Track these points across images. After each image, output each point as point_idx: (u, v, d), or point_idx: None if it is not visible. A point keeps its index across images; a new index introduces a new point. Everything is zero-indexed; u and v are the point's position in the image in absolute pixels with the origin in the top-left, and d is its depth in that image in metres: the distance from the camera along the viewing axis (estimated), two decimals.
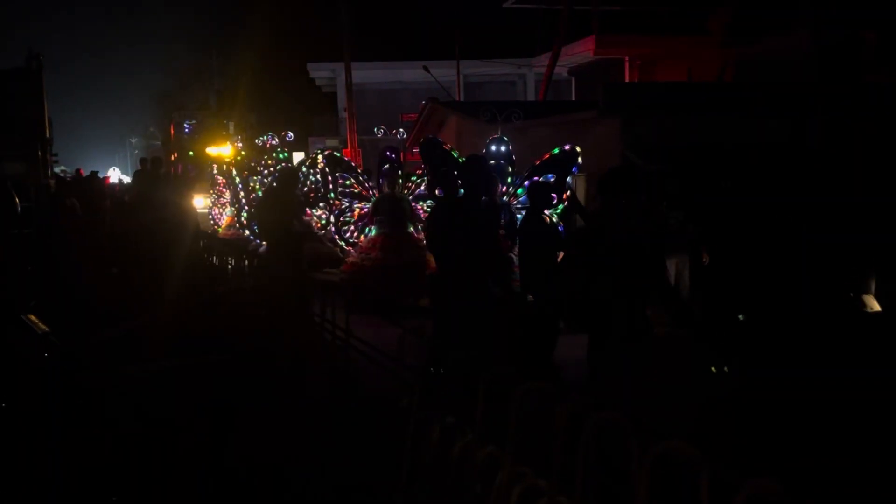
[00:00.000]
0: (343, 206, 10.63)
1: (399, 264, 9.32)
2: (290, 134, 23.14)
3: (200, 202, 16.34)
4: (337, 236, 10.72)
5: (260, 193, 13.83)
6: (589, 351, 5.66)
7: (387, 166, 10.06)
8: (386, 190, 9.84)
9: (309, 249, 10.35)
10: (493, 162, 8.55)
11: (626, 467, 2.13)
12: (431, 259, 8.83)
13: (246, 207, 13.71)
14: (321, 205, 12.22)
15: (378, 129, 26.43)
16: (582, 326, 5.94)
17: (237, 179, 14.25)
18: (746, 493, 1.77)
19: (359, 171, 10.82)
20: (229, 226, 15.08)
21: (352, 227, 10.59)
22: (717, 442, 4.31)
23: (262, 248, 12.01)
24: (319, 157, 12.24)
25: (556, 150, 8.52)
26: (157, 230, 11.26)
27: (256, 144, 22.07)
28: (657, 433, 2.03)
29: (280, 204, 8.49)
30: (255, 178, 14.22)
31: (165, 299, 8.20)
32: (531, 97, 28.91)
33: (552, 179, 8.17)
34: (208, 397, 4.96)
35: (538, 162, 8.49)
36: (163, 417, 4.71)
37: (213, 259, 10.72)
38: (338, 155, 10.99)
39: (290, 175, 9.41)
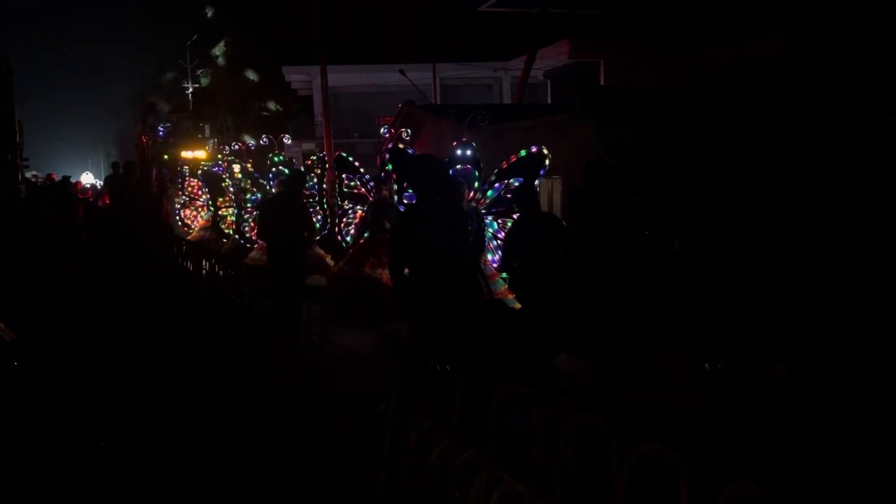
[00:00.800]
0: (346, 208, 10.73)
1: (376, 276, 9.15)
2: (288, 137, 22.92)
3: (176, 204, 16.21)
4: (339, 237, 10.81)
5: (250, 196, 13.77)
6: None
7: (386, 169, 9.89)
8: (384, 194, 9.71)
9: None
10: (458, 166, 8.47)
11: (606, 471, 2.11)
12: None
13: (234, 211, 13.69)
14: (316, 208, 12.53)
15: (354, 135, 26.26)
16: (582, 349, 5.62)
17: (230, 182, 14.21)
18: (727, 495, 1.76)
19: (362, 172, 10.86)
20: (203, 228, 14.93)
21: (352, 230, 10.70)
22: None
23: (254, 253, 12.03)
24: (313, 158, 12.54)
25: (524, 153, 8.44)
26: (130, 235, 11.13)
27: (249, 147, 21.91)
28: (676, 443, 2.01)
29: (286, 209, 8.29)
30: (247, 180, 14.20)
31: (140, 305, 8.10)
32: (507, 100, 28.98)
33: (520, 183, 8.17)
34: (178, 405, 4.89)
35: (505, 165, 8.43)
36: (131, 425, 4.64)
37: (186, 263, 10.60)
38: (344, 156, 11.02)
39: (297, 179, 9.14)
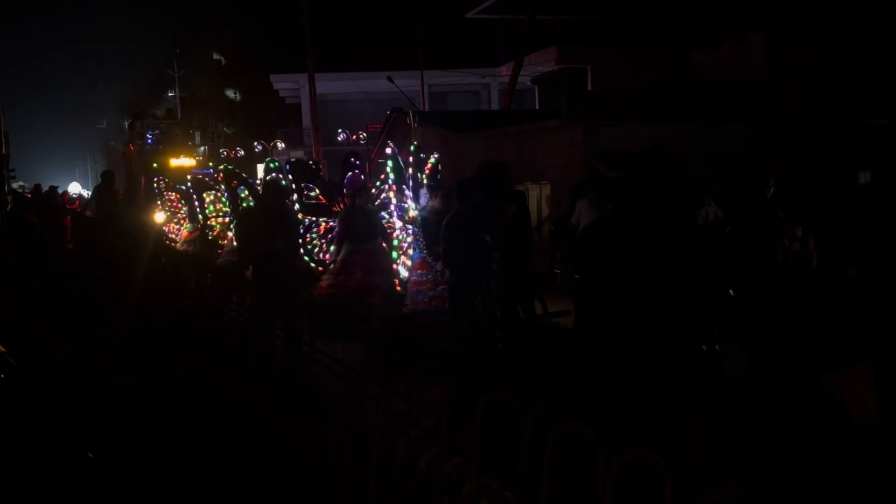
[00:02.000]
0: (309, 222, 9.81)
1: (379, 285, 8.55)
2: (281, 144, 22.65)
3: (161, 217, 15.93)
4: (305, 256, 9.72)
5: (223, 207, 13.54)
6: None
7: (350, 174, 9.43)
8: (358, 201, 8.92)
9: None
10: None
11: (592, 477, 2.12)
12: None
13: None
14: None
15: (340, 133, 25.97)
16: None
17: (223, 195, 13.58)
18: (710, 500, 1.77)
19: (325, 180, 10.29)
20: (187, 241, 14.66)
21: (319, 244, 9.83)
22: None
23: (223, 257, 11.69)
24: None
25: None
26: (118, 245, 11.08)
27: (237, 155, 21.72)
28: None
29: (263, 220, 7.55)
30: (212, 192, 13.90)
31: (126, 315, 8.06)
32: (495, 106, 29.03)
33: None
34: (168, 416, 4.87)
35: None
36: (118, 438, 4.62)
37: (173, 274, 10.51)
38: (302, 160, 10.48)
39: (275, 188, 8.30)
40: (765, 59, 13.85)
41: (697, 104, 12.94)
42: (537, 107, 24.62)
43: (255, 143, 21.86)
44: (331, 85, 28.31)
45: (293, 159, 10.59)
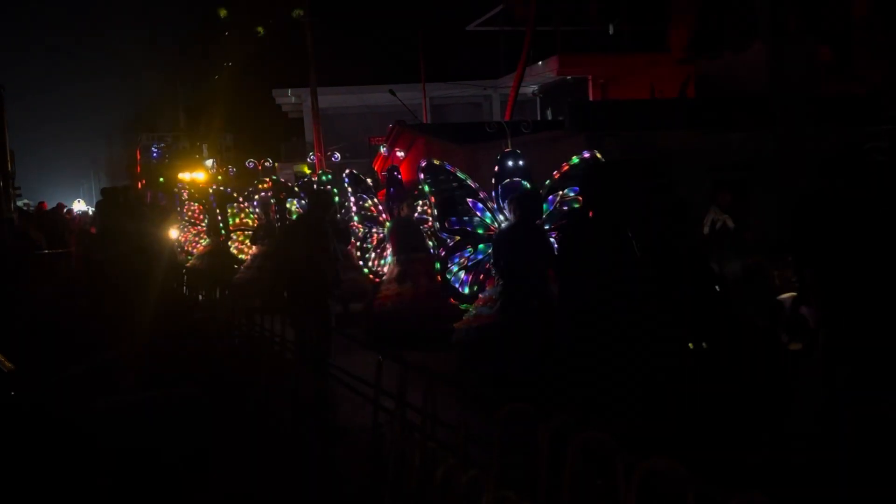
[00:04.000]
0: (363, 232, 10.06)
1: (434, 290, 8.42)
2: (268, 162, 22.51)
3: (175, 233, 15.61)
4: (361, 263, 10.02)
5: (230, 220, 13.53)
6: None
7: (392, 189, 9.65)
8: (405, 212, 9.29)
9: (350, 282, 9.57)
10: (506, 181, 7.69)
11: (613, 485, 2.12)
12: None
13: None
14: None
15: (333, 154, 25.66)
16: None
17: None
18: None
19: (374, 193, 10.39)
20: (201, 255, 14.52)
21: (372, 254, 10.06)
22: None
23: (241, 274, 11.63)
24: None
25: (576, 160, 7.61)
26: (126, 261, 11.08)
27: (247, 168, 21.67)
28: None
29: (308, 235, 7.07)
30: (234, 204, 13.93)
31: (137, 331, 8.06)
32: (497, 117, 29.06)
33: (576, 193, 7.28)
34: (179, 432, 4.87)
35: (557, 175, 7.65)
36: (130, 453, 4.61)
37: (185, 289, 10.52)
38: (356, 173, 10.38)
39: (324, 199, 7.79)
40: (767, 67, 13.88)
41: (700, 112, 12.95)
42: (539, 117, 24.66)
43: (247, 162, 21.87)
44: (332, 99, 28.38)
45: (352, 171, 10.55)
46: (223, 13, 29.95)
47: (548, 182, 7.68)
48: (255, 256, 12.06)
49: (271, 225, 12.20)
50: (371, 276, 9.94)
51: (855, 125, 11.63)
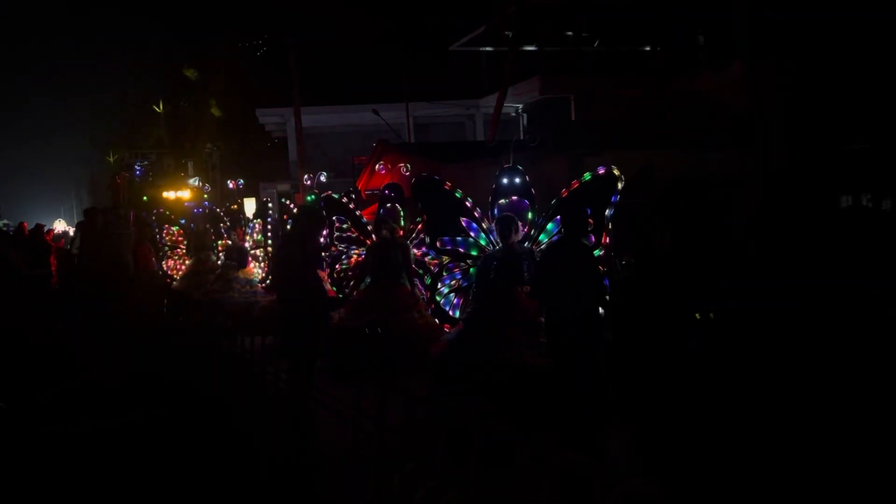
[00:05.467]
0: (340, 251, 9.82)
1: (384, 324, 8.00)
2: (241, 181, 22.38)
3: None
4: (335, 288, 9.67)
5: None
6: None
7: (386, 206, 9.33)
8: (385, 234, 8.72)
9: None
10: (503, 201, 7.45)
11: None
12: (428, 318, 7.95)
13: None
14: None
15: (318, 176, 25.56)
16: None
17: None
18: None
19: (357, 214, 10.23)
20: (185, 277, 14.35)
21: (349, 275, 9.81)
22: None
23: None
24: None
25: (588, 176, 7.08)
26: (106, 283, 11.00)
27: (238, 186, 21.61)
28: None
29: (298, 255, 6.80)
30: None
31: (116, 354, 7.99)
32: (480, 137, 29.17)
33: (588, 214, 6.77)
34: (155, 455, 4.82)
35: (566, 193, 7.24)
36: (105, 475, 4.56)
37: (166, 311, 10.45)
38: (336, 197, 10.27)
39: (314, 217, 7.56)
40: (745, 86, 14.04)
41: (680, 130, 13.07)
42: (522, 136, 24.78)
43: (228, 182, 21.89)
44: (316, 118, 28.41)
45: (329, 194, 10.47)
46: (191, 74, 29.89)
47: (554, 201, 7.36)
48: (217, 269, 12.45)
49: (238, 246, 12.89)
50: (343, 297, 9.60)
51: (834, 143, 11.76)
